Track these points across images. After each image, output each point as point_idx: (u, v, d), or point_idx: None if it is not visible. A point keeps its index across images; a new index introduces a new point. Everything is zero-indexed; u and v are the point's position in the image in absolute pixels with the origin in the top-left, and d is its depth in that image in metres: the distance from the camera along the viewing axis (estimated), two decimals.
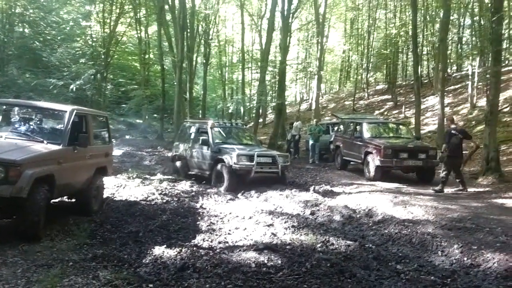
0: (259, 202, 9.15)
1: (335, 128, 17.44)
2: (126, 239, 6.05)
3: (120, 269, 4.88)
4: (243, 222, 7.18)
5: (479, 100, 23.53)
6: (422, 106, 22.23)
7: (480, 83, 24.76)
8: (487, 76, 24.02)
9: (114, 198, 8.62)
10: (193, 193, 9.60)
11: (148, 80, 29.99)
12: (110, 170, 8.19)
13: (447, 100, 21.78)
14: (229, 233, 6.53)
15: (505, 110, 19.39)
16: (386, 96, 33.45)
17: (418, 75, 21.10)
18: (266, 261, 5.22)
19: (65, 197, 7.33)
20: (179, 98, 23.97)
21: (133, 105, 28.69)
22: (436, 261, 5.49)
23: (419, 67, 20.86)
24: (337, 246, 5.90)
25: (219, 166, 10.56)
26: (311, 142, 16.41)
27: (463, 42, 30.94)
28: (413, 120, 21.17)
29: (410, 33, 25.71)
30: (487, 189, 10.90)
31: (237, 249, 5.68)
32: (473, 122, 19.98)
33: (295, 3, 24.50)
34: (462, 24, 28.70)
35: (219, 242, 6.08)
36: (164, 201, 8.68)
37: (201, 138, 11.23)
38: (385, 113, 29.83)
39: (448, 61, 27.57)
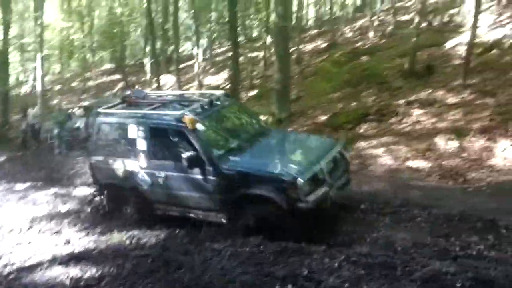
0: (23, 205, 7.89)
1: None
2: None
3: None
4: (22, 235, 6.09)
5: (204, 79, 26.07)
6: (154, 86, 23.18)
7: (203, 63, 27.46)
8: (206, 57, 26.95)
9: None
10: None
11: None
12: None
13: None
14: (11, 252, 5.45)
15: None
16: (116, 76, 32.98)
17: (155, 55, 21.81)
18: (80, 274, 4.64)
19: None
20: None
21: None
22: None
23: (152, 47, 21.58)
24: (146, 239, 5.72)
25: (259, 209, 5.64)
26: (56, 131, 14.75)
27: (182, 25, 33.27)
28: None
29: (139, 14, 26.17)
30: None
31: (36, 269, 4.85)
32: None
33: None
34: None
35: (5, 266, 5.04)
36: None
37: (185, 156, 5.74)
38: (118, 93, 29.49)
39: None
